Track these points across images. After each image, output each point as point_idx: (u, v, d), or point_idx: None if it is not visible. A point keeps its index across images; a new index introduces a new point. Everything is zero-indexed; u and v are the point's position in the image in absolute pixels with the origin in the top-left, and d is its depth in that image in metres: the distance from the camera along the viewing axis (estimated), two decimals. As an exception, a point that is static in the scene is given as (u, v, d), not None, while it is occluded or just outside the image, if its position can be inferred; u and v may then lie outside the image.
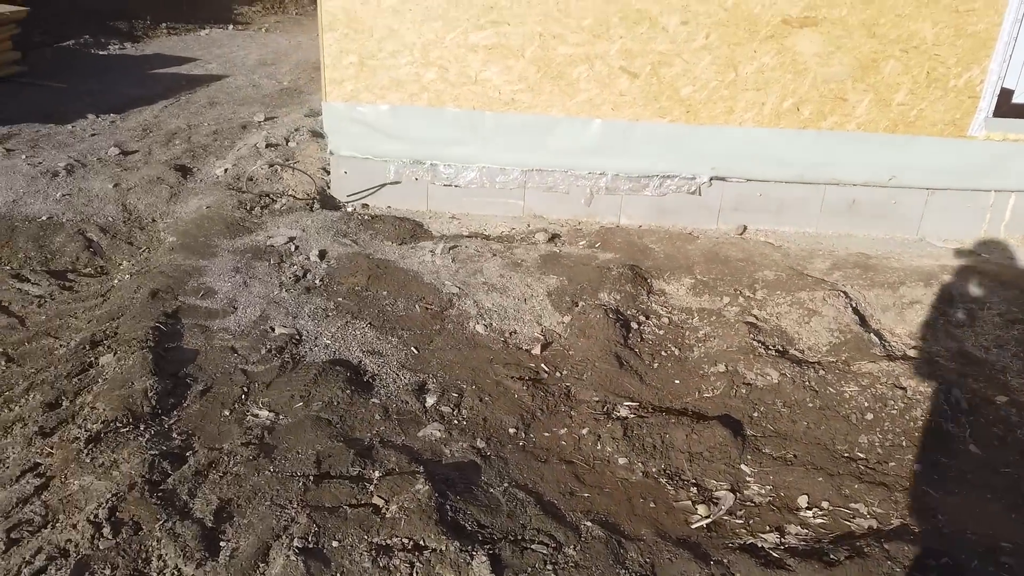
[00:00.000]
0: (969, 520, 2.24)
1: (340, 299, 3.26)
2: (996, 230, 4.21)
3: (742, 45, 3.87)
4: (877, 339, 3.13)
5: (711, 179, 4.17)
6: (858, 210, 4.20)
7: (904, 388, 2.75)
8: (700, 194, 4.21)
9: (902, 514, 2.25)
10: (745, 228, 4.24)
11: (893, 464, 2.46)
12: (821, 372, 2.84)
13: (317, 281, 3.39)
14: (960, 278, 3.64)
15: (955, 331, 3.27)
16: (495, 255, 3.69)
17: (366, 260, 3.55)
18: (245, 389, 2.64)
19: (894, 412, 2.64)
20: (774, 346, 3.06)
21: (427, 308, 3.24)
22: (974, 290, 3.54)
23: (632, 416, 2.64)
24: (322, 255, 3.59)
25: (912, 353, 3.08)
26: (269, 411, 2.55)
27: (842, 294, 3.39)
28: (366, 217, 4.11)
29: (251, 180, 4.37)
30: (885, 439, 2.55)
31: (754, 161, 4.12)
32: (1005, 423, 2.66)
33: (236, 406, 2.55)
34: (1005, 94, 3.90)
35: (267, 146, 4.82)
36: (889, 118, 3.98)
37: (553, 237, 4.04)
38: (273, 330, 3.00)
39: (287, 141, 4.96)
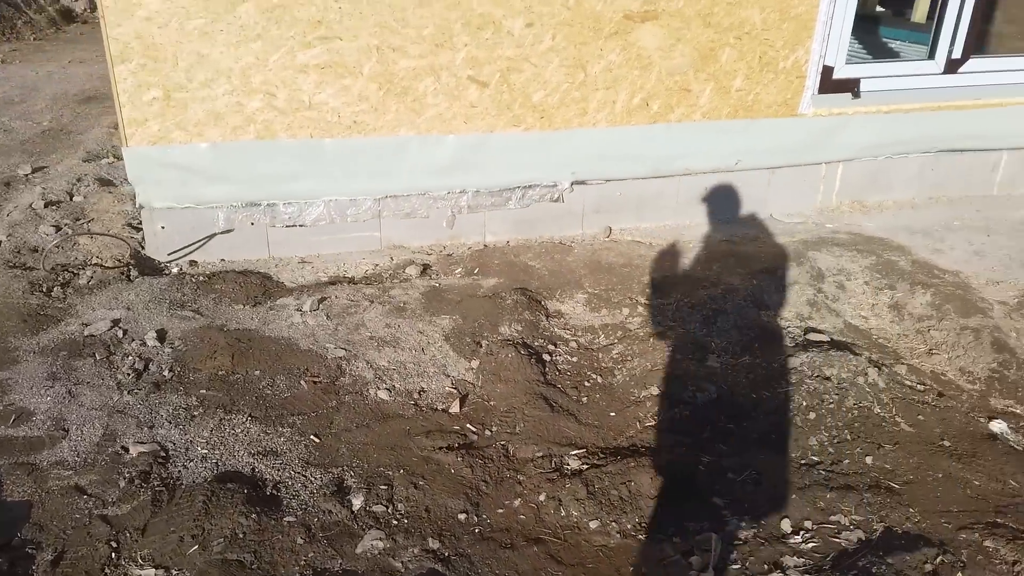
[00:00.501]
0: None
1: (203, 391, 2.68)
2: (829, 199, 4.48)
3: (588, 44, 3.73)
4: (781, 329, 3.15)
5: (572, 184, 4.01)
6: (709, 197, 4.26)
7: (829, 378, 2.76)
8: (563, 200, 4.04)
9: (881, 517, 2.21)
10: (610, 229, 4.14)
11: (847, 462, 2.44)
12: (752, 375, 2.78)
13: (166, 372, 2.76)
14: (820, 251, 3.79)
15: (834, 306, 3.38)
16: (372, 302, 3.26)
17: (221, 334, 2.97)
18: (113, 544, 2.04)
19: (831, 406, 2.63)
20: (693, 355, 2.96)
21: (315, 382, 2.76)
22: (836, 262, 3.70)
23: (586, 468, 2.39)
24: (161, 336, 2.95)
25: (813, 337, 3.12)
26: (155, 567, 1.98)
27: (735, 288, 3.39)
28: (201, 278, 3.47)
29: (37, 252, 3.53)
30: (832, 436, 2.53)
31: (612, 160, 4.02)
32: (918, 394, 2.75)
33: (108, 572, 1.96)
34: (827, 71, 4.11)
35: (47, 205, 3.94)
36: (730, 104, 4.05)
37: (425, 269, 3.67)
38: (127, 451, 2.39)
39: (71, 196, 4.10)
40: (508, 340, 2.99)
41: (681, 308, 3.27)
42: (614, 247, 3.89)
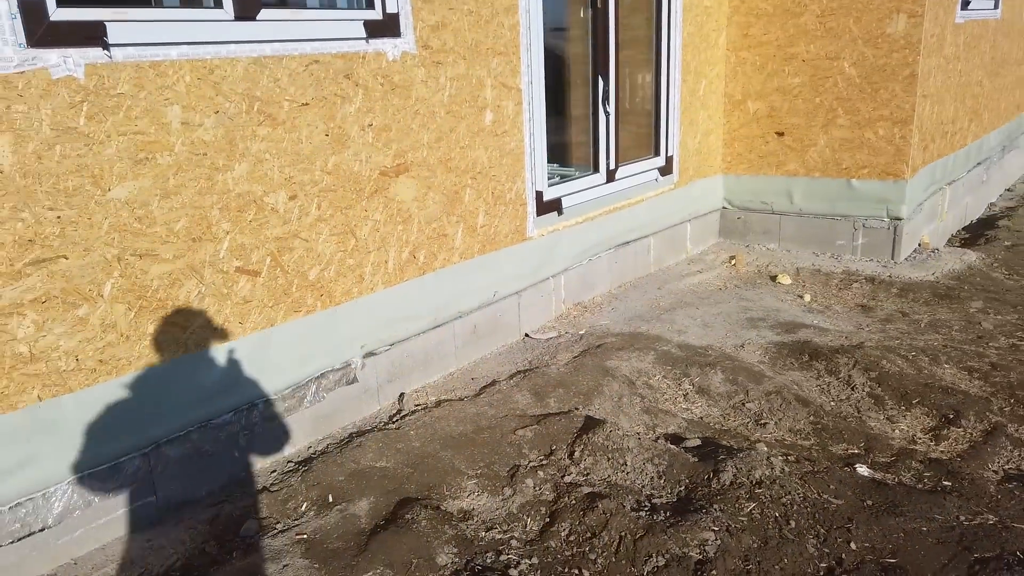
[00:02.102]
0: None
1: None
2: (560, 308, 4.79)
3: (353, 207, 3.36)
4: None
5: (363, 358, 3.52)
6: (480, 333, 4.18)
7: (760, 483, 2.91)
8: (357, 380, 3.52)
9: None
10: (402, 395, 3.74)
11: (854, 545, 2.60)
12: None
13: None
14: (611, 359, 4.01)
15: (663, 407, 3.60)
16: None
17: None
18: None
19: (795, 507, 2.78)
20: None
21: None
22: (631, 365, 3.95)
23: None
24: None
25: (689, 444, 3.26)
26: None
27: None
28: None
29: None
30: (824, 534, 2.67)
31: (396, 323, 3.66)
32: (799, 465, 3.09)
33: None
34: (539, 196, 4.43)
35: None
36: (479, 241, 4.06)
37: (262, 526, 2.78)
38: None
39: None
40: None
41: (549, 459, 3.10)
42: (409, 432, 3.50)
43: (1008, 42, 7.82)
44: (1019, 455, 3.16)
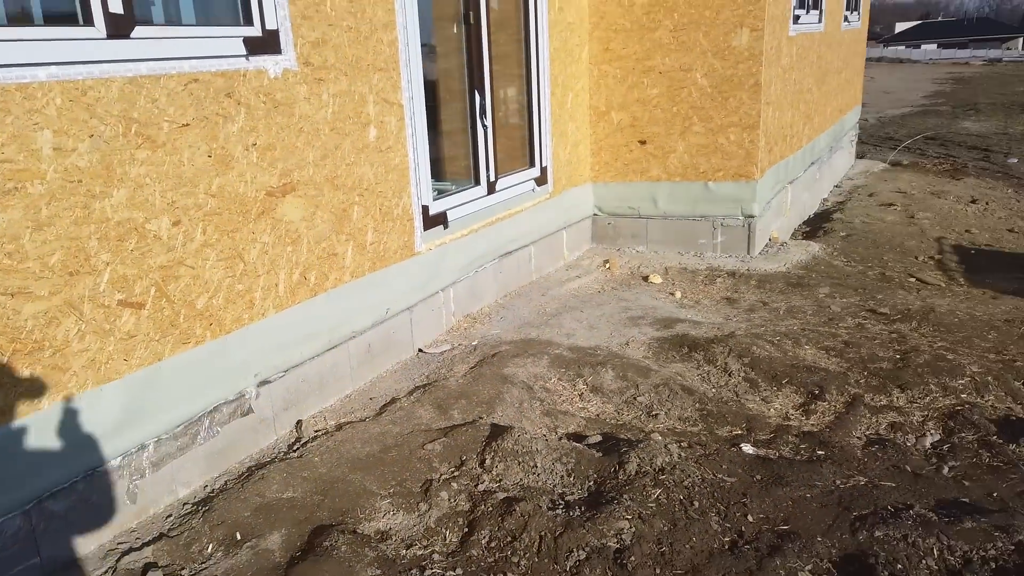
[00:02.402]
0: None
1: None
2: (450, 321, 4.83)
3: (240, 230, 3.25)
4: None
5: (258, 387, 3.41)
6: (374, 352, 4.14)
7: (663, 469, 3.07)
8: (253, 411, 3.39)
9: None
10: (300, 422, 3.65)
11: (751, 517, 2.80)
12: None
13: None
14: (507, 367, 4.10)
15: (561, 408, 3.73)
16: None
17: None
18: None
19: (692, 490, 2.95)
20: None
21: None
22: (527, 371, 4.06)
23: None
24: None
25: (590, 441, 3.40)
26: None
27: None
28: None
29: None
30: (719, 519, 2.85)
31: (290, 348, 3.56)
32: (693, 450, 3.31)
33: None
34: (425, 210, 4.46)
35: None
36: (369, 258, 4.03)
37: (148, 569, 2.62)
38: None
39: None
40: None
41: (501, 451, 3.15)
42: (313, 460, 3.44)
43: (831, 52, 8.69)
44: (877, 421, 3.55)
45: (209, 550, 2.72)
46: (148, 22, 2.89)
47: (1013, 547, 2.43)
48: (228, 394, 3.27)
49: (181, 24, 3.29)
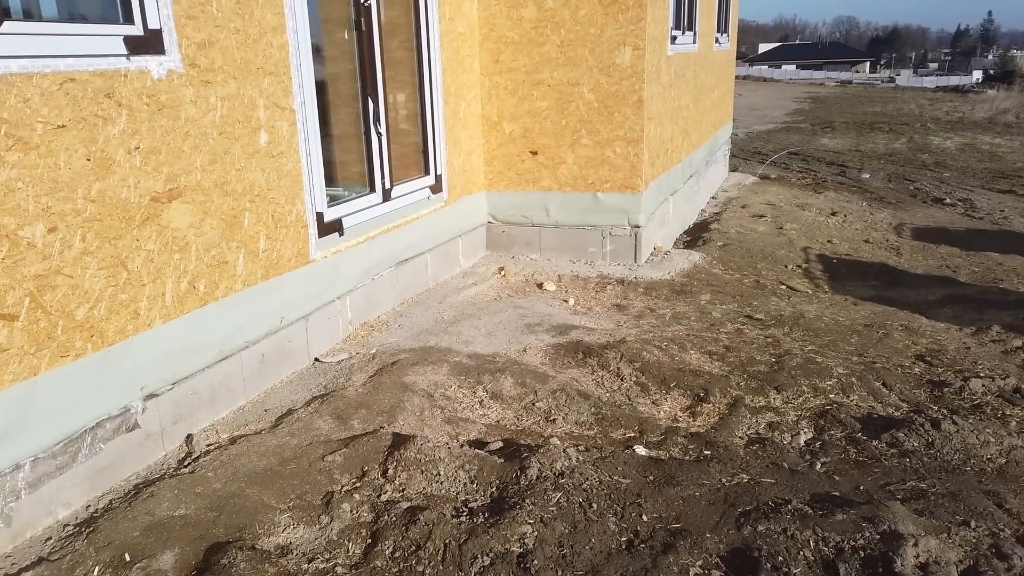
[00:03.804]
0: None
1: None
2: (347, 330, 4.75)
3: (123, 237, 3.08)
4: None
5: (145, 400, 3.23)
6: (268, 362, 4.02)
7: (562, 473, 3.15)
8: (139, 426, 3.21)
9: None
10: (190, 436, 3.49)
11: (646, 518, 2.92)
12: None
13: None
14: (407, 375, 4.08)
15: (462, 414, 3.76)
16: None
17: None
18: None
19: (589, 498, 3.04)
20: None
21: None
22: (427, 379, 4.06)
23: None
24: None
25: (492, 448, 3.44)
26: None
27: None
28: None
29: None
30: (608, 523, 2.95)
31: (178, 359, 3.40)
32: (590, 453, 3.42)
33: None
34: (320, 217, 4.38)
35: None
36: (262, 266, 3.91)
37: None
38: None
39: None
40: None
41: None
42: (205, 475, 3.31)
43: (704, 72, 9.20)
44: (757, 421, 3.79)
45: (95, 573, 2.55)
46: (27, 15, 2.70)
47: (879, 536, 2.67)
48: (112, 409, 3.08)
49: (59, 21, 3.07)
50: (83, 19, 3.17)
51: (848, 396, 4.04)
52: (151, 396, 3.27)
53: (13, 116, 2.60)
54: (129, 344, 3.14)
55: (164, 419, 3.35)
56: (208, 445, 3.43)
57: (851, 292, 6.26)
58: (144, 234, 3.18)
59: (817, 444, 3.58)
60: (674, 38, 7.24)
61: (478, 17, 6.14)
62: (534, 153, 6.36)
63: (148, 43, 3.13)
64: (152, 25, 3.14)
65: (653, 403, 4.05)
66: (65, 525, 2.85)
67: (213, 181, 3.54)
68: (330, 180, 5.10)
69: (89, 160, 2.90)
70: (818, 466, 3.37)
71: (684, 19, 8.01)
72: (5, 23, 2.54)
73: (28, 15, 2.90)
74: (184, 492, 2.99)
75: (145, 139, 3.14)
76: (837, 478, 3.24)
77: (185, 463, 3.27)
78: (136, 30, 3.08)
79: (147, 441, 3.27)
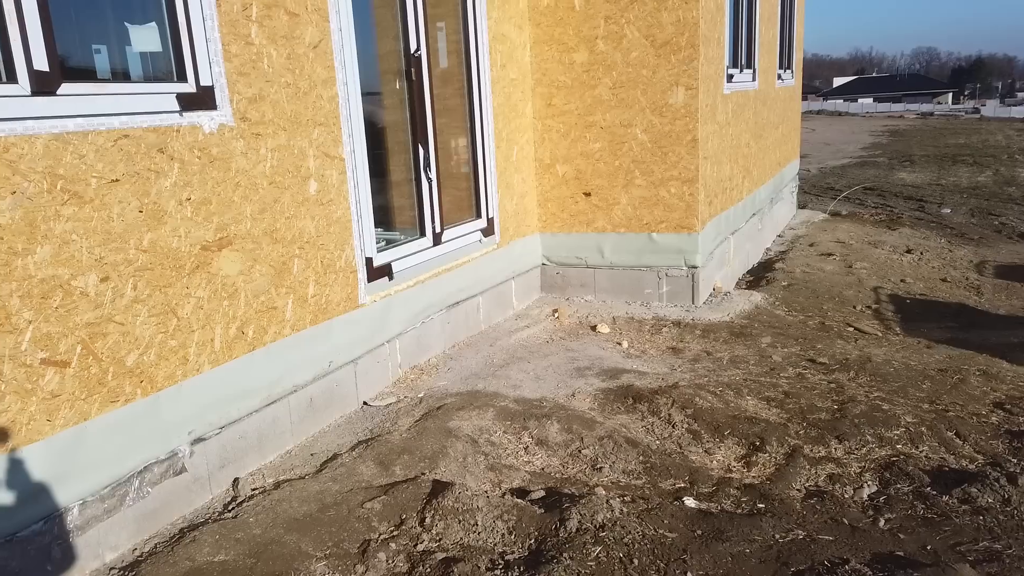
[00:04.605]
0: None
1: None
2: (396, 373, 4.77)
3: (173, 285, 3.19)
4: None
5: (192, 445, 3.30)
6: (316, 406, 4.06)
7: (603, 526, 3.05)
8: (186, 469, 3.28)
9: None
10: (237, 480, 3.53)
11: (662, 584, 2.78)
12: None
13: None
14: (452, 420, 4.05)
15: (507, 461, 3.69)
16: None
17: None
18: None
19: (627, 548, 2.93)
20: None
21: None
22: (471, 424, 4.02)
23: None
24: None
25: (534, 496, 3.36)
26: None
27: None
28: None
29: None
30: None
31: (226, 404, 3.47)
32: (636, 504, 3.29)
33: None
34: (369, 262, 4.44)
35: None
36: (310, 311, 3.98)
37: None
38: None
39: None
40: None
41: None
42: (254, 524, 3.34)
43: (766, 109, 9.03)
44: (816, 473, 3.59)
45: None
46: (87, 75, 2.86)
47: (944, 600, 2.46)
48: (160, 453, 3.16)
49: (115, 79, 3.24)
50: (140, 79, 3.34)
51: (917, 447, 3.79)
52: (199, 440, 3.34)
53: (68, 172, 2.74)
54: (178, 389, 3.22)
55: (211, 463, 3.41)
56: (253, 489, 3.47)
57: (925, 334, 5.93)
58: (194, 282, 3.28)
59: (881, 499, 3.35)
60: (731, 76, 7.15)
61: (530, 63, 6.21)
62: (587, 195, 6.33)
63: (200, 99, 3.27)
64: (204, 82, 3.29)
65: (705, 452, 3.89)
66: (111, 568, 2.90)
67: (263, 229, 3.64)
68: (385, 224, 5.21)
69: (141, 212, 3.02)
70: (881, 522, 3.15)
71: (742, 57, 7.91)
72: (63, 84, 2.70)
73: (86, 75, 3.07)
74: (225, 537, 3.02)
75: (196, 191, 3.26)
76: (902, 536, 3.02)
77: (229, 507, 3.31)
78: (189, 87, 3.23)
79: (194, 485, 3.33)
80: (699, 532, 3.04)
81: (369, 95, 4.55)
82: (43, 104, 2.61)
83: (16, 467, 2.62)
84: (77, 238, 2.78)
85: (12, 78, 2.54)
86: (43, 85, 2.61)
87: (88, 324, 2.84)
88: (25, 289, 2.62)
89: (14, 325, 2.59)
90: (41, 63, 2.59)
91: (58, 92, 2.67)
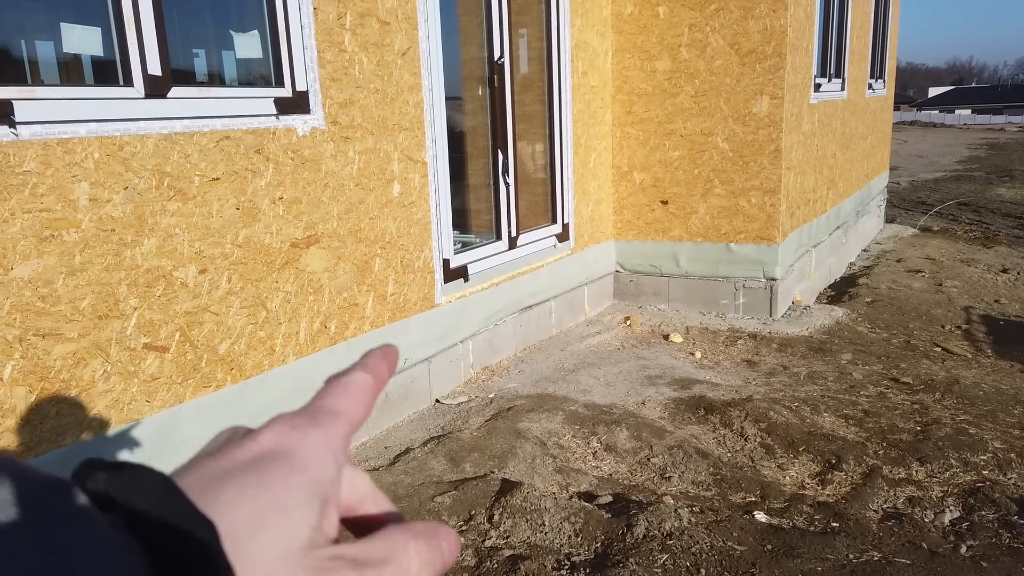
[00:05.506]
0: None
1: None
2: (468, 373, 4.87)
3: (264, 279, 3.36)
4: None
5: (274, 433, 3.46)
6: (391, 401, 4.19)
7: (671, 534, 3.05)
8: (268, 455, 3.44)
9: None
10: (314, 468, 3.68)
11: (729, 596, 2.76)
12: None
13: None
14: (521, 421, 4.12)
15: (574, 465, 3.73)
16: None
17: None
18: None
19: (694, 558, 2.92)
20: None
21: None
22: (540, 426, 4.07)
23: None
24: None
25: (601, 502, 3.39)
26: None
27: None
28: None
29: None
30: (703, 581, 2.81)
31: (307, 394, 3.56)
32: (704, 515, 3.28)
33: None
34: (446, 263, 4.55)
35: None
36: (389, 309, 4.12)
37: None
38: None
39: None
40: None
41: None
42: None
43: (855, 119, 8.76)
44: (895, 494, 3.48)
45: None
46: (191, 78, 3.06)
47: (1028, 632, 2.36)
48: (243, 440, 3.32)
49: (217, 83, 3.45)
50: (241, 83, 3.53)
51: (1005, 474, 3.62)
52: (281, 428, 3.50)
53: (175, 170, 2.93)
54: (264, 378, 3.39)
55: (291, 450, 3.57)
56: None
57: (1019, 358, 5.63)
58: (283, 277, 3.45)
59: (964, 525, 3.22)
60: (818, 85, 6.98)
61: (611, 70, 6.23)
62: (664, 203, 6.30)
63: (295, 104, 3.44)
64: (300, 88, 3.45)
65: (778, 467, 3.82)
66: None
67: (348, 229, 3.79)
68: (462, 227, 5.32)
69: (238, 209, 3.20)
70: (963, 549, 3.03)
71: (831, 66, 7.70)
72: (173, 88, 2.89)
73: (188, 78, 3.28)
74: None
75: (288, 190, 3.43)
76: (984, 564, 2.90)
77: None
78: (286, 92, 3.40)
79: (275, 470, 3.49)
80: (769, 547, 3.00)
81: (451, 100, 4.67)
82: (155, 106, 2.81)
83: (117, 444, 2.81)
84: (180, 232, 2.97)
85: (128, 81, 2.74)
86: (155, 88, 2.80)
87: (186, 313, 3.03)
88: (132, 278, 2.82)
89: (121, 311, 2.79)
90: (155, 68, 2.78)
91: (168, 95, 2.87)
